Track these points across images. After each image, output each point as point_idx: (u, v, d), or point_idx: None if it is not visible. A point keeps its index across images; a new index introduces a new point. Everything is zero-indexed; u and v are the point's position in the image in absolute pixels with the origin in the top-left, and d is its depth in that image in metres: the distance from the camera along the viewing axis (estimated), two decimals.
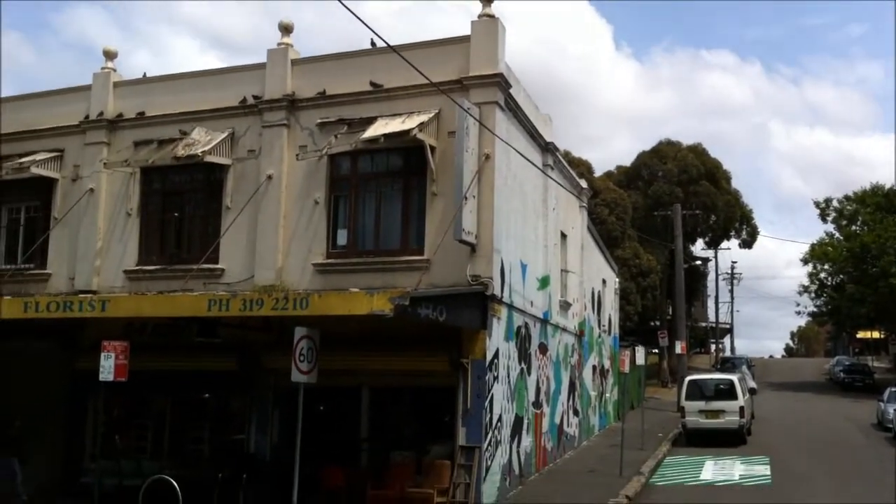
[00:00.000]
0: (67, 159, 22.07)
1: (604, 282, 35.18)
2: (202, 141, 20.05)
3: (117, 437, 21.25)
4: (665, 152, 60.23)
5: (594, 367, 32.05)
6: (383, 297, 14.91)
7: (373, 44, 18.61)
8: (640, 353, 28.34)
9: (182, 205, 21.24)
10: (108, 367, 16.88)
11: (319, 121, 19.53)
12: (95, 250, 21.20)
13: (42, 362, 21.24)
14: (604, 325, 35.00)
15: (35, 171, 21.62)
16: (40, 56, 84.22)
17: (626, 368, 25.32)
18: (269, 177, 19.73)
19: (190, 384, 20.70)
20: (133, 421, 21.74)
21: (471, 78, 18.47)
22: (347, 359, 17.92)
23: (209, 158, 19.88)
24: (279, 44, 20.40)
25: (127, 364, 17.03)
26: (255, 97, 20.24)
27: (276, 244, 19.52)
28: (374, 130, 18.39)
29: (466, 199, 17.57)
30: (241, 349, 19.68)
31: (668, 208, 51.08)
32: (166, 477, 17.05)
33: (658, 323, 58.56)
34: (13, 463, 18.51)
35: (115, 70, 22.21)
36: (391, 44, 14.50)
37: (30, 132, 22.47)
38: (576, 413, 27.72)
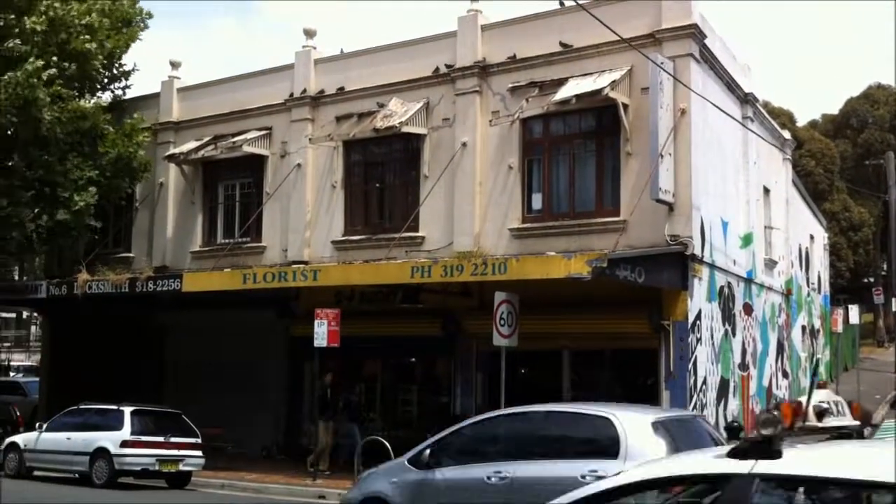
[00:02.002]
0: (276, 136, 23.23)
1: (811, 237, 33.53)
2: (399, 112, 20.61)
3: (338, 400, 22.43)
4: (876, 97, 56.40)
5: (803, 328, 30.69)
6: (580, 260, 14.94)
7: (561, 3, 18.45)
8: (854, 311, 26.90)
9: (383, 175, 21.97)
10: (321, 333, 17.88)
11: (511, 85, 19.62)
12: (305, 222, 22.28)
13: (261, 330, 22.65)
14: (813, 284, 33.41)
15: (247, 149, 22.90)
16: (250, 38, 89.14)
17: (839, 328, 24.11)
18: (464, 144, 20.04)
19: (397, 349, 21.51)
20: (346, 384, 22.84)
21: (663, 31, 18.01)
22: (546, 322, 18.04)
23: (406, 129, 20.41)
24: (469, 10, 20.59)
25: (338, 330, 17.97)
26: (447, 66, 20.56)
27: (472, 210, 19.85)
28: (565, 92, 18.29)
29: (662, 156, 17.21)
30: (444, 314, 20.22)
31: (880, 157, 47.93)
32: (379, 438, 17.83)
33: (872, 279, 55.28)
34: (353, 428, 19.78)
35: (315, 48, 23.12)
36: (580, 1, 14.36)
37: (241, 112, 23.79)
38: (785, 375, 26.71)
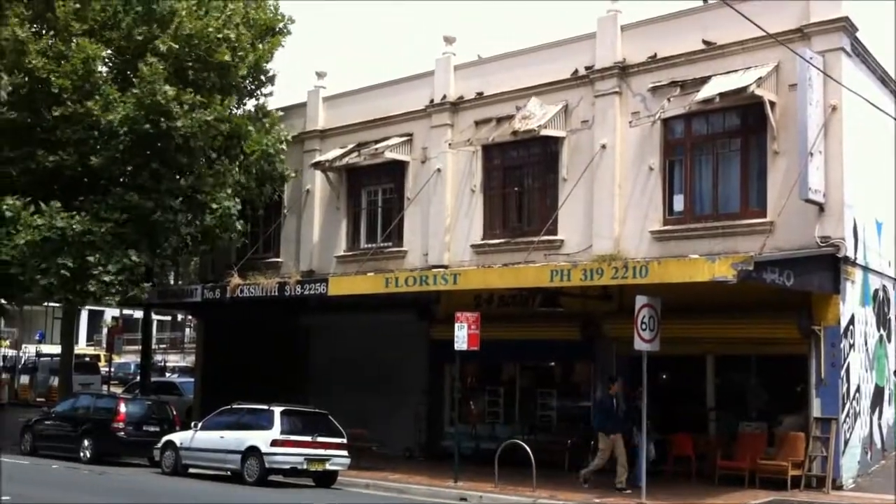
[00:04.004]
0: (416, 142, 23.60)
1: None
2: (537, 115, 20.60)
3: (472, 404, 22.62)
4: None
5: None
6: (725, 263, 14.57)
7: (704, 0, 18.09)
8: None
9: (521, 179, 21.99)
10: (461, 336, 18.04)
11: (651, 85, 19.31)
12: (445, 227, 22.54)
13: (402, 333, 23.05)
14: None
15: (389, 155, 23.37)
16: (387, 48, 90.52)
17: None
18: (603, 146, 19.85)
19: (535, 352, 21.49)
20: (485, 387, 22.97)
21: (812, 25, 17.36)
22: (689, 327, 17.66)
23: (545, 132, 20.38)
24: (608, 11, 20.38)
25: (478, 333, 18.08)
26: (586, 67, 20.41)
27: (612, 213, 19.63)
28: (708, 90, 17.88)
29: (812, 155, 16.59)
30: (583, 318, 20.08)
31: None
32: (519, 441, 17.85)
33: None
34: (641, 439, 17.05)
35: (454, 54, 23.37)
36: None
37: (383, 119, 24.29)
38: None
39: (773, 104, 17.53)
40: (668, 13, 19.73)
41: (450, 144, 22.45)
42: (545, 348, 21.11)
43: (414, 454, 22.67)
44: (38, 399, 37.92)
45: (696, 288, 15.82)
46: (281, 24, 25.70)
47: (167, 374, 45.15)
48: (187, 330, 60.19)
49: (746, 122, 18.28)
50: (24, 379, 41.26)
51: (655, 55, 19.41)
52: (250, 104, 25.76)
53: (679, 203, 19.05)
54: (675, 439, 18.35)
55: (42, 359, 42.23)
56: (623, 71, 19.83)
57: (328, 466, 18.35)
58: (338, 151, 24.50)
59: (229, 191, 23.50)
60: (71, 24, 22.90)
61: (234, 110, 24.39)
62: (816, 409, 16.88)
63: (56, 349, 37.98)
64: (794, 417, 17.58)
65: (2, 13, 23.64)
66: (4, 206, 21.89)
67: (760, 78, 17.36)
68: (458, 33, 23.89)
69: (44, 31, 23.78)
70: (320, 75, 26.43)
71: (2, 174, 22.96)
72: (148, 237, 23.15)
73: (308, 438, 18.16)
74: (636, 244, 19.13)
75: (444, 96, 22.86)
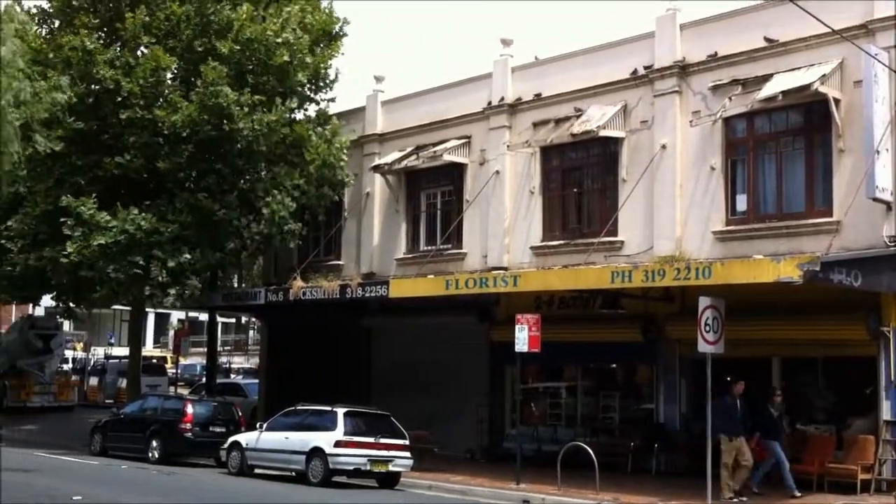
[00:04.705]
0: (474, 144, 23.66)
1: None
2: (596, 116, 20.53)
3: (533, 406, 22.60)
4: None
5: None
6: (790, 264, 14.39)
7: None
8: None
9: (580, 180, 21.92)
10: (522, 338, 18.06)
11: (712, 84, 19.11)
12: (504, 228, 22.56)
13: (462, 335, 23.13)
14: None
15: (447, 157, 23.47)
16: (444, 50, 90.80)
17: None
18: (663, 146, 19.70)
19: (597, 354, 21.41)
20: (546, 389, 22.94)
21: (876, 21, 17.03)
22: (753, 328, 17.46)
23: (604, 133, 20.29)
24: (667, 10, 20.22)
25: (539, 335, 18.08)
26: (645, 67, 20.28)
27: (673, 214, 19.47)
28: (771, 88, 17.66)
29: (878, 152, 16.27)
30: (644, 319, 19.96)
31: None
32: (581, 444, 17.79)
33: None
34: (774, 446, 16.58)
35: (511, 56, 23.37)
36: None
37: (441, 122, 24.40)
38: None
39: (837, 101, 17.24)
40: (728, 11, 19.51)
41: (508, 146, 22.46)
42: (606, 350, 21.02)
43: (475, 456, 22.73)
44: (106, 400, 38.73)
45: (761, 289, 15.65)
46: (337, 27, 25.97)
47: (232, 376, 45.81)
48: (251, 332, 61.07)
49: (810, 119, 18.00)
50: (94, 381, 42.19)
51: (716, 53, 19.20)
52: (312, 109, 26.10)
53: (742, 203, 18.83)
54: None
55: (111, 361, 43.18)
56: (683, 70, 19.66)
57: (391, 468, 18.47)
58: (396, 154, 24.68)
59: (279, 195, 23.74)
60: (139, 35, 23.43)
61: (296, 115, 24.71)
62: (886, 412, 16.55)
63: (124, 351, 38.83)
64: (864, 420, 17.26)
65: (71, 23, 24.29)
66: (81, 209, 22.49)
67: (824, 75, 17.09)
68: (515, 35, 23.93)
69: (110, 42, 24.37)
70: (379, 79, 26.64)
71: (71, 183, 23.57)
72: (211, 238, 23.61)
73: (371, 440, 18.31)
74: (698, 245, 18.95)
75: (502, 98, 22.88)
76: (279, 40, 23.30)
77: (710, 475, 15.55)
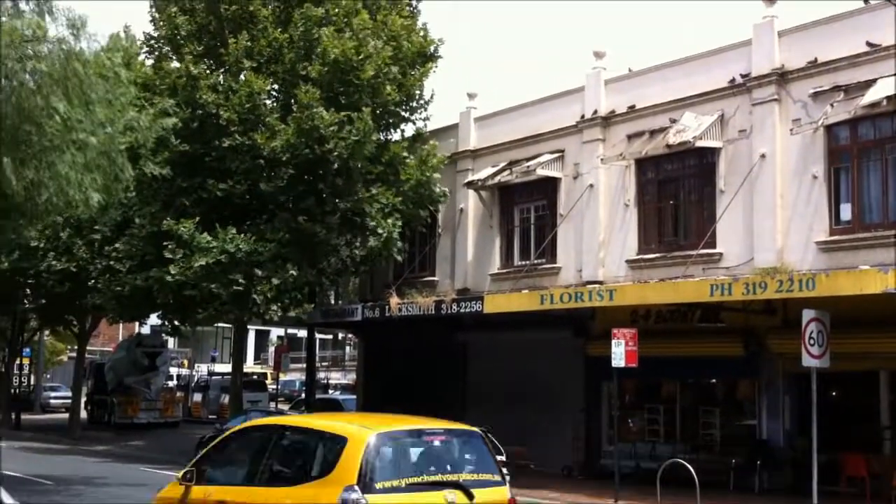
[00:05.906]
0: (568, 158, 23.56)
1: None
2: (692, 126, 20.21)
3: (630, 422, 22.27)
4: None
5: None
6: None
7: (866, 0, 17.36)
8: None
9: (676, 192, 21.59)
10: (619, 353, 17.87)
11: (812, 91, 18.63)
12: (599, 242, 22.37)
13: (558, 350, 22.97)
14: None
15: (540, 172, 23.42)
16: (535, 65, 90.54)
17: None
18: (763, 155, 19.27)
19: (696, 369, 20.96)
20: (644, 405, 22.58)
21: None
22: (859, 341, 16.91)
23: (700, 143, 19.97)
24: (764, 17, 19.83)
25: (636, 350, 17.85)
26: (742, 75, 19.91)
27: (773, 224, 19.01)
28: (875, 94, 17.16)
29: None
30: (745, 333, 19.50)
31: None
32: (681, 461, 17.46)
33: None
34: None
35: (604, 69, 23.23)
36: None
37: (534, 136, 24.37)
38: None
39: None
40: (827, 16, 19.02)
41: (602, 159, 22.29)
42: (706, 364, 20.56)
43: (572, 472, 22.51)
44: (209, 416, 39.77)
45: (867, 300, 15.16)
46: (432, 48, 26.24)
47: (330, 392, 46.50)
48: (347, 348, 61.86)
49: None
50: (197, 397, 43.41)
51: (816, 60, 18.73)
52: (408, 130, 26.44)
53: (846, 212, 18.27)
54: (847, 459, 17.54)
55: (213, 377, 44.31)
56: (782, 77, 19.23)
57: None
58: (490, 170, 24.75)
59: (396, 215, 24.10)
60: (241, 60, 24.12)
61: (392, 137, 25.04)
62: None
63: (226, 368, 39.78)
64: None
65: (178, 51, 25.14)
66: (182, 230, 23.22)
67: None
68: (607, 47, 23.77)
69: (214, 67, 25.14)
70: (471, 96, 26.79)
71: (176, 206, 24.34)
72: (309, 257, 24.06)
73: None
74: (801, 256, 18.44)
75: (595, 111, 22.74)
76: (361, 56, 23.64)
77: (815, 493, 15.07)
